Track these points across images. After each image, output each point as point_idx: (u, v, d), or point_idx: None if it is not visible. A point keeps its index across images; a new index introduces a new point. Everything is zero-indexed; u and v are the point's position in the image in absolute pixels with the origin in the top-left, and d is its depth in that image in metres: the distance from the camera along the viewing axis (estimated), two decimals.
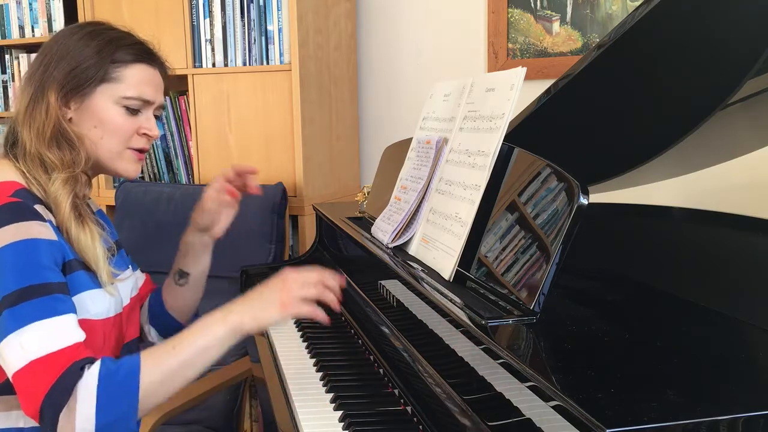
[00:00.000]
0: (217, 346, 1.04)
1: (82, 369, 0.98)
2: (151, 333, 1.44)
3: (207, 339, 1.04)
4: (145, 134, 1.21)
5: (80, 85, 1.14)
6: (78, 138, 1.14)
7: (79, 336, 1.02)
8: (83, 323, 1.10)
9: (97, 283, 1.14)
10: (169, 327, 1.43)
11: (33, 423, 1.07)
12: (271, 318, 1.07)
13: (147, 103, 1.20)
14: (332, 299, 1.13)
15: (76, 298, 1.10)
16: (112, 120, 1.16)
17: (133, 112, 1.18)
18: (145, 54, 1.21)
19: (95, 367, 0.98)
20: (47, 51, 1.17)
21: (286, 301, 1.08)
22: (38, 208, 1.07)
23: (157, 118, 1.25)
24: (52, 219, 1.10)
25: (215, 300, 1.83)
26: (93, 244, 1.12)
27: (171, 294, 1.40)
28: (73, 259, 1.11)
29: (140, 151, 1.21)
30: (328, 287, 1.13)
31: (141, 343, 1.39)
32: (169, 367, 1.01)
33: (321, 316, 1.10)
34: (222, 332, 1.04)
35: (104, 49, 1.16)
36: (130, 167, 1.21)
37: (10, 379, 0.99)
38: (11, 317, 0.98)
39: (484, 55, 2.37)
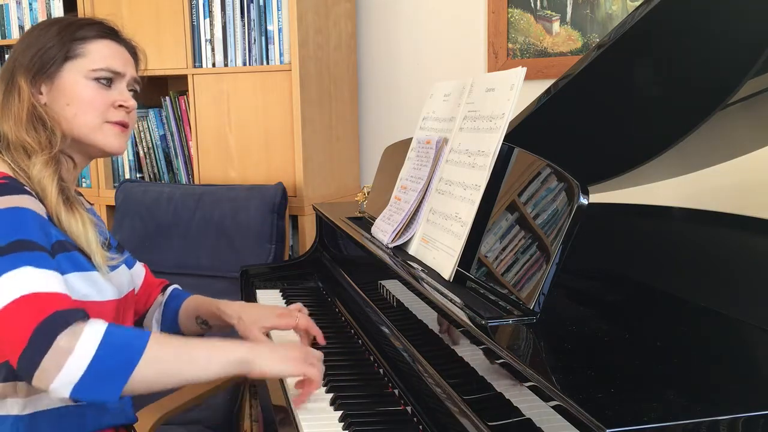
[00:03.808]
0: (220, 364, 1.04)
1: (85, 314, 0.98)
2: (154, 330, 1.45)
3: (214, 353, 1.04)
4: (121, 106, 1.20)
5: (45, 65, 1.16)
6: (52, 119, 1.15)
7: (67, 291, 1.01)
8: None
9: (87, 266, 1.13)
10: (174, 334, 1.44)
11: (28, 410, 1.07)
12: (282, 368, 1.09)
13: (117, 74, 1.21)
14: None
15: (63, 279, 1.09)
16: (83, 94, 1.17)
17: (105, 85, 1.19)
18: (108, 30, 1.23)
19: (102, 320, 0.98)
20: (14, 48, 1.21)
21: (301, 360, 1.10)
22: (27, 190, 1.08)
23: (135, 94, 1.25)
24: (43, 208, 1.10)
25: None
26: (84, 227, 1.13)
27: (187, 321, 1.43)
28: (65, 240, 1.11)
29: (120, 124, 1.21)
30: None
31: None
32: (174, 353, 1.01)
33: (317, 380, 1.12)
34: (230, 355, 1.05)
35: (65, 30, 1.19)
36: (112, 140, 1.20)
37: None
38: (1, 262, 0.98)
39: (484, 55, 2.37)
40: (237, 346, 1.07)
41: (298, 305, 1.39)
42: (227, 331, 1.40)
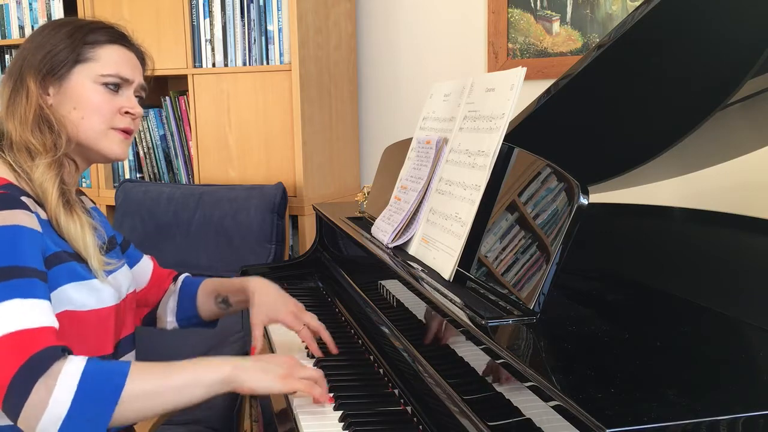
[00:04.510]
0: (205, 387, 1.02)
1: (63, 352, 0.97)
2: (168, 320, 1.44)
3: (198, 376, 1.02)
4: (127, 113, 1.21)
5: (55, 67, 1.16)
6: (58, 122, 1.15)
7: (53, 321, 1.00)
8: (67, 315, 1.10)
9: (86, 274, 1.13)
10: (191, 319, 1.44)
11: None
12: (269, 385, 1.06)
13: (126, 81, 1.21)
14: (319, 395, 1.12)
15: (59, 291, 1.09)
16: (91, 99, 1.17)
17: (112, 90, 1.19)
18: (118, 36, 1.23)
19: (81, 358, 0.97)
20: (23, 47, 1.21)
21: (288, 376, 1.07)
22: (25, 200, 1.07)
23: (140, 99, 1.26)
24: (39, 212, 1.10)
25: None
26: (82, 231, 1.12)
27: (206, 302, 1.42)
28: (61, 251, 1.10)
29: (125, 131, 1.21)
30: (321, 386, 1.13)
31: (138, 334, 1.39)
32: (155, 385, 0.99)
33: (318, 393, 1.10)
34: (213, 376, 1.03)
35: (76, 32, 1.19)
36: (115, 147, 1.20)
37: None
38: None
39: (484, 55, 2.37)
40: (221, 365, 1.04)
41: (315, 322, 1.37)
42: (247, 308, 1.37)
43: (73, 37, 1.18)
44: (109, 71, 1.19)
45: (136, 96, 1.24)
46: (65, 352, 0.98)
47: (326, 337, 1.33)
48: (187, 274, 1.50)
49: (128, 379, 0.97)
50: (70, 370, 0.94)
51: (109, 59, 1.19)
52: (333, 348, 1.33)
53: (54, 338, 0.98)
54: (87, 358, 0.97)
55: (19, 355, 0.93)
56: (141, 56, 1.28)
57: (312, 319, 1.34)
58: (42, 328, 0.97)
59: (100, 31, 1.21)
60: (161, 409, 1.01)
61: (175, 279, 1.48)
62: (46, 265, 1.08)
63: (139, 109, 1.23)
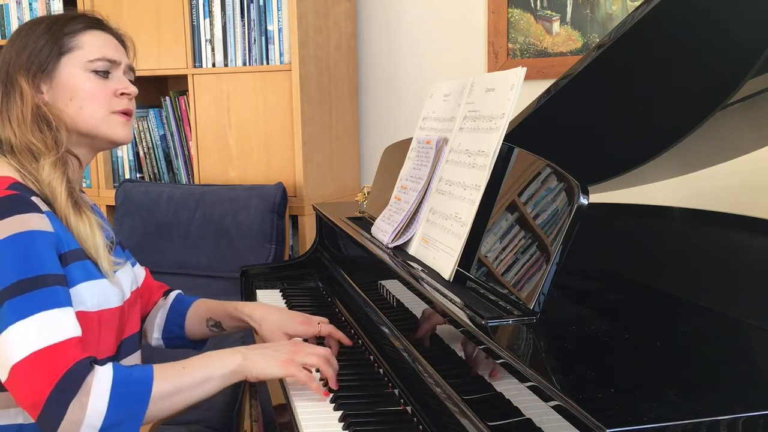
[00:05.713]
0: (218, 380, 1.08)
1: (92, 364, 0.99)
2: (154, 336, 1.44)
3: (211, 371, 1.07)
4: (123, 94, 1.22)
5: (42, 63, 1.17)
6: (56, 117, 1.16)
7: (77, 330, 1.02)
8: (78, 315, 1.10)
9: (97, 273, 1.14)
10: (177, 340, 1.44)
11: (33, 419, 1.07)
12: (271, 371, 1.11)
13: (113, 62, 1.22)
14: (331, 375, 1.16)
15: (74, 290, 1.09)
16: (85, 87, 1.18)
17: (102, 75, 1.20)
18: (94, 21, 1.24)
19: (109, 366, 1.00)
20: (5, 52, 1.21)
21: (289, 361, 1.12)
22: (35, 200, 1.08)
23: (131, 82, 1.26)
24: (50, 210, 1.10)
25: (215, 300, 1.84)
26: (92, 231, 1.13)
27: (195, 324, 1.42)
28: (75, 249, 1.11)
29: (125, 113, 1.22)
30: (331, 365, 1.17)
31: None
32: (178, 384, 1.04)
33: (315, 386, 1.13)
34: (225, 369, 1.08)
35: (53, 26, 1.20)
36: (119, 130, 1.22)
37: (8, 372, 0.98)
38: (11, 309, 0.98)
39: (484, 55, 2.37)
40: (231, 356, 1.10)
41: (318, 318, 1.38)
42: (242, 332, 1.39)
43: (52, 31, 1.19)
44: (95, 56, 1.19)
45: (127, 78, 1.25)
46: (92, 363, 1.00)
47: (339, 334, 1.34)
48: (179, 291, 1.49)
49: (154, 383, 1.01)
50: (101, 384, 0.98)
51: (93, 44, 1.20)
52: (346, 341, 1.34)
53: (80, 349, 1.01)
54: (112, 367, 1.01)
55: (52, 374, 0.96)
56: (120, 39, 1.28)
57: (322, 321, 1.35)
58: (69, 341, 1.00)
59: (76, 19, 1.22)
60: (182, 406, 1.06)
61: (166, 294, 1.47)
62: (63, 262, 1.08)
63: (133, 88, 1.23)
